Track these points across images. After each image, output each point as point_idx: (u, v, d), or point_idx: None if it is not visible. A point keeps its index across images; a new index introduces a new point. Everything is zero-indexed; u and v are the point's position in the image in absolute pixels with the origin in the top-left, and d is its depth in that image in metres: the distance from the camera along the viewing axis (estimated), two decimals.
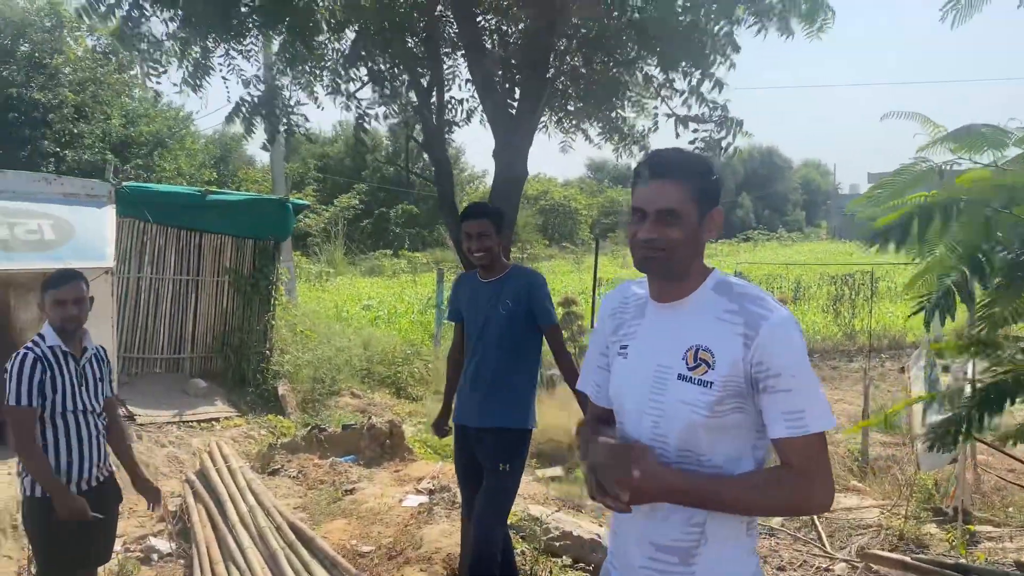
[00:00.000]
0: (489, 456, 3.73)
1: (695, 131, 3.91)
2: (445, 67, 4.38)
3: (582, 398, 3.81)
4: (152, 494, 3.75)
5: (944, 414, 4.09)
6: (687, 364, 1.77)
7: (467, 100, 4.63)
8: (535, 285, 3.74)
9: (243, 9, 3.81)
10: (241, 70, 4.19)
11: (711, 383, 1.73)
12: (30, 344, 3.34)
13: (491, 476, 3.72)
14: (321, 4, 4.13)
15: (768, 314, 1.72)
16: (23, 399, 3.22)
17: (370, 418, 8.08)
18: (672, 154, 1.85)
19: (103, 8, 3.53)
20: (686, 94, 3.97)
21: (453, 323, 4.13)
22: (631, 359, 1.90)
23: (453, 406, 4.05)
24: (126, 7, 3.56)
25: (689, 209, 1.77)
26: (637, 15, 4.17)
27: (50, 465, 3.30)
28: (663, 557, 1.81)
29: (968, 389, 4.10)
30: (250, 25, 3.90)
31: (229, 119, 4.08)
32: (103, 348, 3.64)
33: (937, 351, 6.37)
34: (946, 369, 8.70)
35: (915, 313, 3.74)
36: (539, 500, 6.19)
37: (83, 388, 3.42)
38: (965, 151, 3.79)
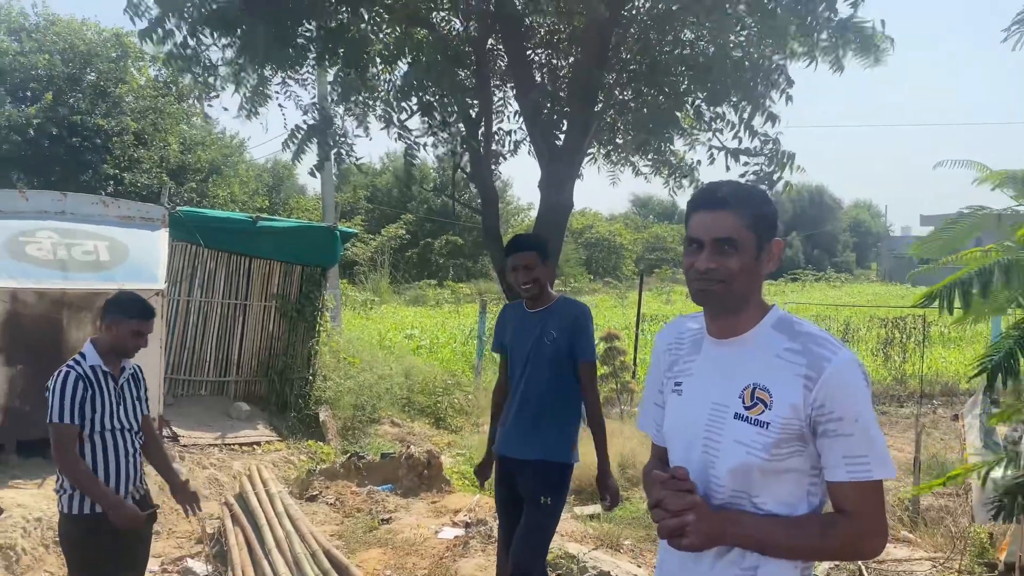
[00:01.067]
0: (530, 489, 3.67)
1: (746, 164, 3.87)
2: (495, 99, 4.42)
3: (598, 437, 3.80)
4: (190, 497, 3.75)
5: (1005, 472, 3.91)
6: (744, 403, 1.71)
7: (515, 132, 4.66)
8: (581, 317, 3.69)
9: (300, 40, 3.90)
10: (298, 97, 4.29)
11: (768, 423, 1.67)
12: (71, 363, 3.39)
13: (531, 510, 3.66)
14: (375, 37, 4.21)
15: (832, 356, 1.66)
16: (65, 416, 3.26)
17: (409, 447, 8.06)
18: (729, 185, 1.82)
19: (161, 32, 3.63)
20: (737, 127, 3.93)
21: (498, 355, 4.09)
22: (686, 396, 1.85)
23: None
24: (183, 33, 3.67)
25: (747, 238, 1.72)
26: (688, 50, 4.17)
27: (96, 478, 3.34)
28: None
29: None
30: (306, 55, 3.98)
31: (285, 145, 4.16)
32: (139, 368, 3.69)
33: (994, 403, 6.16)
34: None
35: (977, 375, 3.63)
36: (577, 538, 6.08)
37: (121, 407, 3.46)
38: (1020, 197, 3.69)
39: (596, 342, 13.30)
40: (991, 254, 3.69)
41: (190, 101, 21.24)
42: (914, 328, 14.74)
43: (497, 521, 4.10)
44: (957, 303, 3.74)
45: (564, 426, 3.72)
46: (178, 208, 9.04)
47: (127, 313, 3.40)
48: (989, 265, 3.64)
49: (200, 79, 3.85)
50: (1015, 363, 3.46)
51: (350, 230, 11.82)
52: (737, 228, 1.72)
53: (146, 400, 3.68)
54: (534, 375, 3.70)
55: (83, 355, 3.42)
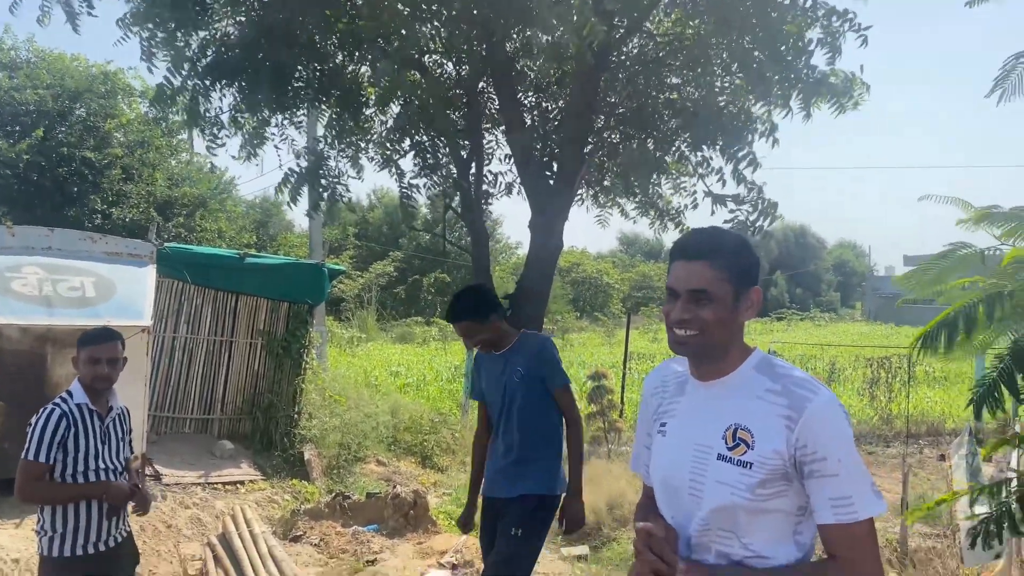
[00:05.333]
0: (508, 522, 3.64)
1: (732, 211, 3.92)
2: (485, 141, 4.47)
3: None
4: (142, 500, 3.55)
5: (989, 507, 3.94)
6: (726, 444, 1.73)
7: (505, 173, 4.71)
8: (544, 349, 3.72)
9: (298, 83, 3.96)
10: (293, 140, 4.35)
11: (750, 464, 1.69)
12: (58, 400, 3.35)
13: (501, 542, 3.61)
14: (368, 79, 4.27)
15: (812, 396, 1.68)
16: (41, 455, 3.21)
17: (395, 487, 7.98)
18: (706, 234, 1.83)
19: (169, 92, 3.70)
20: (722, 172, 4.01)
21: (478, 401, 4.09)
22: (670, 437, 1.87)
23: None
24: (190, 88, 3.73)
25: (723, 289, 1.74)
26: (675, 95, 4.25)
27: (65, 485, 3.27)
28: None
29: (1014, 481, 3.96)
30: (303, 97, 4.04)
31: (279, 189, 4.20)
32: (127, 408, 3.64)
33: (977, 430, 6.20)
34: (989, 458, 8.43)
35: (968, 407, 3.69)
36: None
37: (106, 447, 3.41)
38: (1008, 237, 3.76)
39: (584, 381, 13.22)
40: (976, 286, 3.76)
41: (180, 136, 21.32)
42: (899, 368, 14.81)
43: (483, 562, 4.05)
44: (942, 346, 3.81)
45: (544, 459, 3.70)
46: (166, 244, 9.03)
47: (80, 342, 3.36)
48: (973, 301, 3.69)
49: (208, 135, 3.91)
50: (999, 395, 3.52)
51: (338, 267, 11.82)
52: (712, 280, 1.74)
53: (129, 442, 3.63)
54: (510, 414, 3.71)
55: (70, 393, 3.38)
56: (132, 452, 3.69)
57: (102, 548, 3.35)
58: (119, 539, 3.45)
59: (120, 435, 3.52)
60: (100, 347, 3.35)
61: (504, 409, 3.75)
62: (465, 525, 4.14)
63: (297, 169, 4.22)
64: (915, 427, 13.37)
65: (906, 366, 14.55)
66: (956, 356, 4.23)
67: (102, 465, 3.37)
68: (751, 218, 3.85)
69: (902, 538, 7.78)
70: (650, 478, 2.00)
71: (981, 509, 3.90)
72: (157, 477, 7.91)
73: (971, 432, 7.61)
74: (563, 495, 3.75)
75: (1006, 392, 3.61)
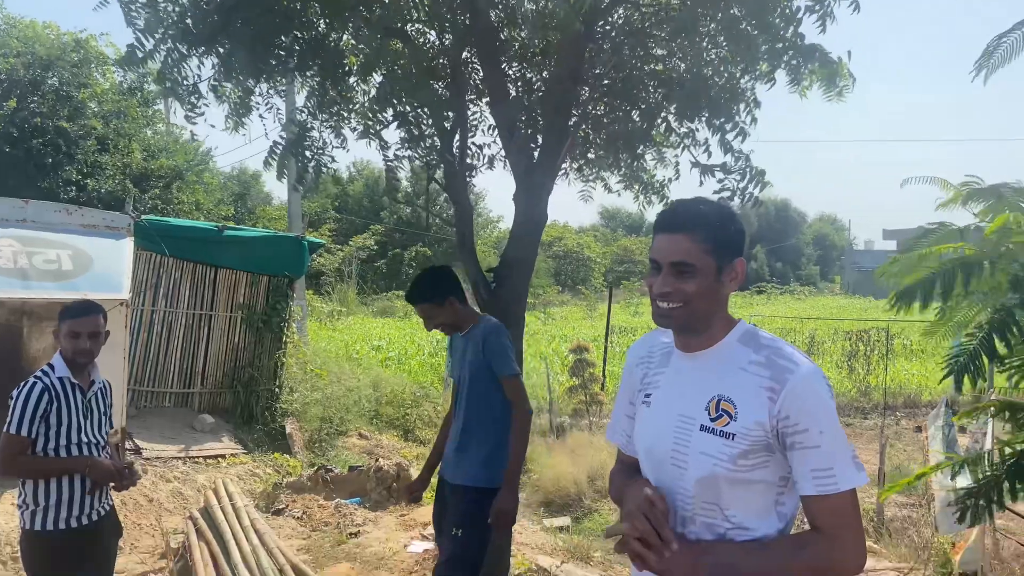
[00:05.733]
0: (449, 519, 3.62)
1: (720, 181, 3.90)
2: (469, 112, 4.42)
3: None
4: (131, 469, 3.55)
5: (967, 477, 3.98)
6: (709, 415, 1.73)
7: (489, 145, 4.66)
8: (489, 333, 3.62)
9: (279, 52, 3.88)
10: (279, 110, 4.27)
11: (733, 435, 1.69)
12: (39, 373, 3.30)
13: (447, 543, 3.60)
14: (351, 48, 4.19)
15: (795, 367, 1.68)
16: (23, 428, 3.18)
17: (377, 460, 8.00)
18: (689, 206, 1.81)
19: (141, 55, 3.59)
20: (708, 143, 3.99)
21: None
22: (654, 408, 1.86)
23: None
24: (163, 53, 3.62)
25: (705, 261, 1.73)
26: (660, 66, 4.22)
27: (47, 459, 3.24)
28: None
29: (988, 451, 4.01)
30: (286, 66, 3.96)
31: (267, 163, 4.13)
32: (108, 382, 3.61)
33: (953, 401, 6.28)
34: (963, 430, 8.57)
35: (945, 377, 3.69)
36: (547, 551, 6.07)
37: (88, 421, 3.38)
38: (986, 214, 3.76)
39: (566, 354, 13.26)
40: (957, 250, 3.74)
41: (156, 107, 20.94)
42: (878, 341, 15.01)
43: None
44: (918, 302, 3.75)
45: (487, 449, 3.61)
46: (143, 217, 8.90)
47: (61, 316, 3.32)
48: (951, 265, 3.67)
49: (186, 100, 3.81)
50: (980, 364, 3.52)
51: (317, 240, 11.73)
52: (694, 252, 1.73)
53: (110, 416, 3.59)
54: (462, 398, 3.68)
55: (52, 366, 3.33)
56: (112, 426, 3.65)
57: (84, 522, 3.33)
58: (101, 513, 3.42)
59: (102, 409, 3.48)
60: (81, 320, 3.31)
61: (461, 391, 3.72)
62: (411, 496, 4.11)
63: (282, 141, 4.15)
64: (892, 399, 13.57)
65: (884, 339, 14.74)
66: (935, 331, 4.25)
67: (84, 439, 3.34)
68: (740, 186, 3.83)
69: (878, 508, 7.91)
70: (627, 447, 2.01)
71: (963, 481, 3.93)
72: (137, 451, 7.87)
73: (947, 404, 7.73)
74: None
75: (986, 363, 3.62)
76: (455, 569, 3.53)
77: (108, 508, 3.51)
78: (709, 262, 1.73)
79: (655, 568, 1.67)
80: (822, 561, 1.68)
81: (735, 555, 1.69)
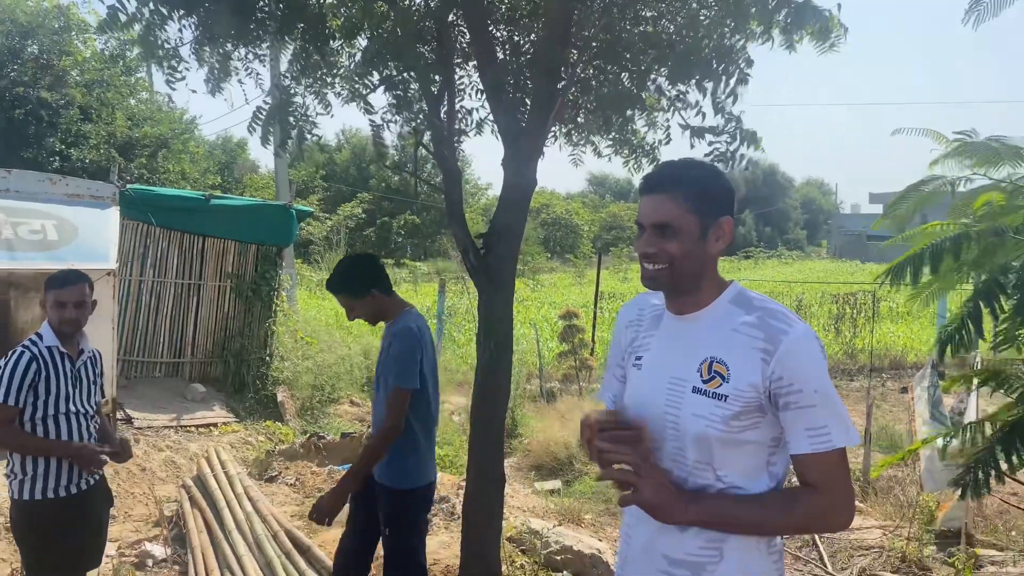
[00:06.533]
0: (380, 516, 3.60)
1: (711, 143, 3.88)
2: (457, 76, 4.36)
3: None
4: (125, 445, 3.58)
5: (956, 442, 4.01)
6: (701, 376, 1.74)
7: (477, 110, 4.61)
8: (395, 339, 3.49)
9: (260, 15, 3.81)
10: (259, 75, 4.19)
11: (725, 396, 1.70)
12: (27, 342, 3.30)
13: (384, 541, 3.61)
14: (334, 11, 4.12)
15: (788, 328, 1.69)
16: (10, 397, 3.18)
17: (369, 427, 8.03)
18: (671, 166, 1.82)
19: (123, 19, 3.52)
20: (700, 106, 3.96)
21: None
22: (645, 370, 1.87)
23: None
24: (145, 16, 3.55)
25: (687, 221, 1.73)
26: (650, 27, 4.17)
27: (39, 436, 3.25)
28: (676, 571, 1.77)
29: (973, 422, 4.03)
30: (267, 29, 3.89)
31: (250, 128, 4.07)
32: (98, 351, 3.60)
33: (941, 376, 6.36)
34: (948, 391, 8.66)
35: (938, 348, 3.77)
36: (539, 513, 6.14)
37: (77, 390, 3.37)
38: (980, 166, 3.76)
39: (556, 320, 13.26)
40: (947, 228, 3.78)
41: (140, 75, 20.62)
42: (864, 304, 15.11)
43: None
44: (907, 280, 3.85)
45: (401, 449, 3.50)
46: (128, 186, 8.81)
47: (47, 285, 3.32)
48: (940, 241, 3.73)
49: (166, 64, 3.74)
50: (967, 334, 3.57)
51: (306, 208, 11.67)
52: (675, 211, 1.73)
53: (100, 386, 3.59)
54: (381, 393, 3.57)
55: (40, 335, 3.32)
56: (103, 396, 3.66)
57: (73, 491, 3.33)
58: (91, 482, 3.43)
59: (92, 378, 3.48)
60: (66, 290, 3.30)
61: (376, 387, 3.65)
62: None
63: (265, 107, 4.09)
64: (879, 361, 13.71)
65: (871, 302, 14.84)
66: (920, 295, 4.28)
67: (72, 408, 3.34)
68: (731, 148, 3.81)
69: (864, 467, 8.02)
70: (615, 408, 2.01)
71: (951, 443, 3.96)
72: (129, 421, 7.88)
73: (933, 365, 7.79)
74: (418, 487, 3.58)
75: (972, 331, 3.67)
76: (401, 556, 3.56)
77: (99, 477, 3.51)
78: (692, 220, 1.74)
79: (646, 499, 1.69)
80: (814, 515, 1.71)
81: (726, 504, 1.72)
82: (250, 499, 5.51)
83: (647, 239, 1.76)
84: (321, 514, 3.52)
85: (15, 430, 3.23)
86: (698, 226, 1.74)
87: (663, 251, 1.74)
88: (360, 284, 3.57)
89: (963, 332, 3.58)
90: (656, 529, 1.77)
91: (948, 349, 3.78)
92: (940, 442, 3.90)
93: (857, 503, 7.27)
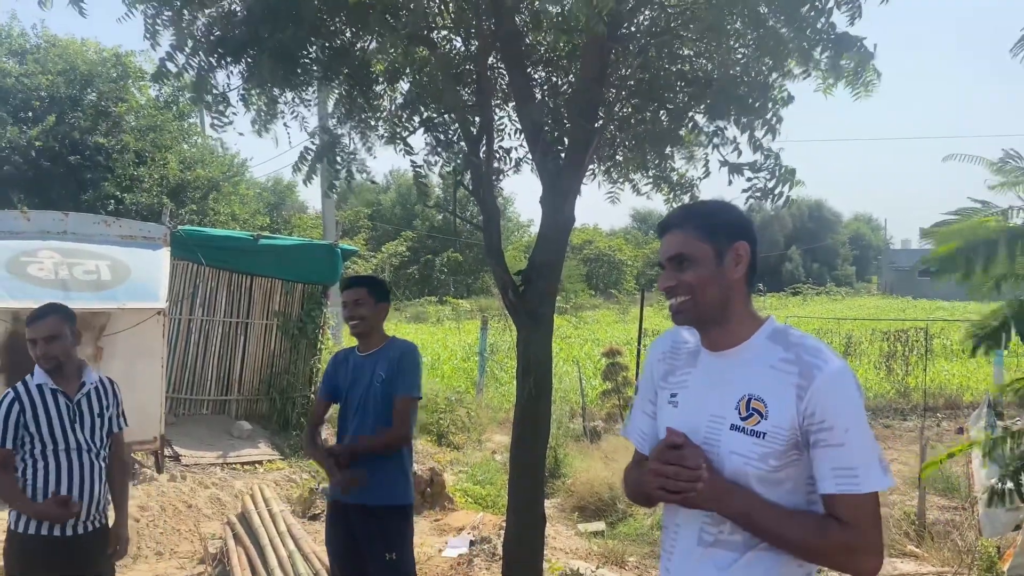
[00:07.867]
0: (374, 542, 3.55)
1: (749, 180, 3.86)
2: (496, 117, 4.43)
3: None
4: (120, 542, 3.53)
5: (1007, 456, 3.85)
6: (739, 414, 1.72)
7: (516, 149, 4.67)
8: (406, 355, 3.64)
9: (305, 61, 3.93)
10: (304, 119, 4.32)
11: (764, 434, 1.67)
12: (18, 383, 3.29)
13: (381, 569, 3.55)
14: (377, 56, 4.23)
15: (823, 364, 1.66)
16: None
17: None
18: (683, 207, 1.95)
19: (175, 69, 3.67)
20: (737, 141, 3.96)
21: (327, 402, 3.96)
22: (682, 408, 1.85)
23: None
24: (194, 67, 3.70)
25: (700, 249, 1.77)
26: (687, 65, 4.19)
27: (11, 492, 3.24)
28: None
29: None
30: (312, 76, 4.01)
31: (296, 168, 4.20)
32: (109, 380, 3.51)
33: (996, 402, 6.09)
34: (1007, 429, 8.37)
35: (974, 348, 3.61)
36: (581, 555, 6.05)
37: (77, 424, 3.29)
38: None
39: (599, 358, 13.14)
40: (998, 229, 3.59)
41: (191, 119, 21.31)
42: (916, 341, 14.73)
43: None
44: (960, 269, 3.56)
45: (399, 465, 3.61)
46: (179, 227, 9.06)
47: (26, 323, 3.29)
48: (994, 236, 3.51)
49: (215, 112, 3.89)
50: (1007, 334, 3.42)
51: (351, 247, 11.84)
52: (686, 243, 1.79)
53: (118, 416, 3.50)
54: (364, 420, 3.61)
55: (31, 375, 3.30)
56: (124, 425, 3.55)
57: (69, 533, 3.28)
58: (89, 528, 3.34)
59: (97, 411, 3.37)
60: (32, 327, 3.24)
61: (358, 412, 3.65)
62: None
63: (312, 148, 4.20)
64: (932, 400, 13.30)
65: (923, 339, 14.46)
66: (971, 292, 4.06)
67: (73, 444, 3.27)
68: (769, 185, 3.78)
69: (920, 511, 7.75)
70: (642, 445, 1.99)
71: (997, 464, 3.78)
72: (176, 458, 7.99)
73: (990, 404, 7.54)
74: (410, 502, 3.70)
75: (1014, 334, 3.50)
76: None
77: (99, 524, 3.42)
78: (705, 248, 1.77)
79: (692, 502, 1.70)
80: (844, 549, 1.65)
81: (756, 505, 1.68)
82: (293, 537, 5.53)
83: (666, 274, 1.82)
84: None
85: (6, 478, 3.23)
86: (713, 253, 1.77)
87: (682, 283, 1.77)
88: (383, 294, 3.79)
89: (1005, 331, 3.41)
90: (696, 563, 1.76)
91: (983, 347, 3.62)
92: (996, 483, 3.74)
93: (913, 548, 7.03)
